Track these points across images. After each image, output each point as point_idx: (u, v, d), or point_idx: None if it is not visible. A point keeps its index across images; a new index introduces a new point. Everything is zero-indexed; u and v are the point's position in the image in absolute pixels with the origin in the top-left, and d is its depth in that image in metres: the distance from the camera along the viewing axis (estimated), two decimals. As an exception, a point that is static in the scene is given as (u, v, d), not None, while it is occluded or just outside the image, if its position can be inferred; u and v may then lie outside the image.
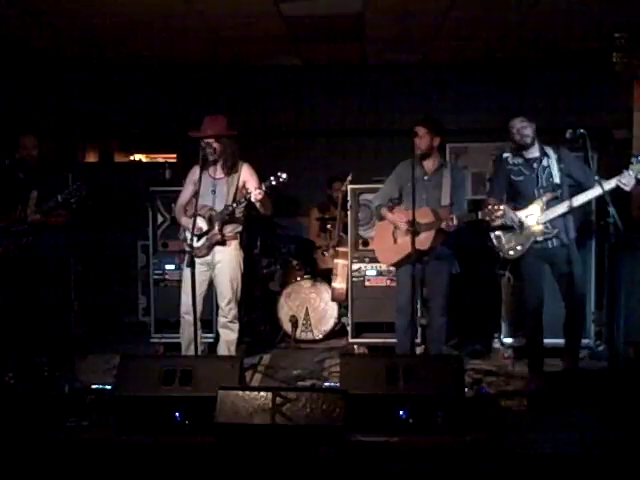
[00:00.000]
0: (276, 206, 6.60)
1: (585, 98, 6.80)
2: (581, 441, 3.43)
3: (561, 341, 4.58)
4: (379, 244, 4.78)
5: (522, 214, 4.36)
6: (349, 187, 5.44)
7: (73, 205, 4.77)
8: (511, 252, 4.41)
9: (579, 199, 4.23)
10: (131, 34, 5.79)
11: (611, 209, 3.93)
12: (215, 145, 4.45)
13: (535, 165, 4.34)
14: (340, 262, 5.69)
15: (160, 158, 7.62)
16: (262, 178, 4.44)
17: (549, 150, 4.36)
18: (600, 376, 4.47)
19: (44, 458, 3.38)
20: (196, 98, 7.07)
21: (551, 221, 4.29)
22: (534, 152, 4.36)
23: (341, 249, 5.75)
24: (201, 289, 4.45)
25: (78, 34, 5.80)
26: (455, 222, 4.25)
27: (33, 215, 4.84)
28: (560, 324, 4.53)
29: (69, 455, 3.43)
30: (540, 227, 4.30)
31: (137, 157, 8.29)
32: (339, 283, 5.68)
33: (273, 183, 4.32)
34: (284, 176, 4.30)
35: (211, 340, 5.06)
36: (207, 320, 5.02)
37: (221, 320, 4.66)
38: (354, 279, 5.44)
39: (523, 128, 4.29)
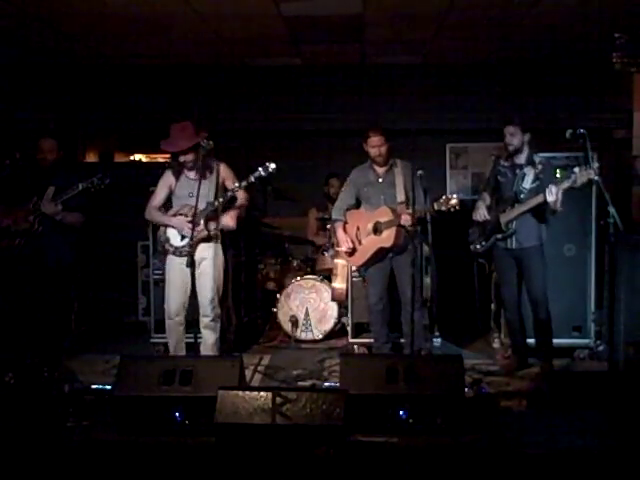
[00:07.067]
0: (276, 206, 6.65)
1: (585, 98, 6.80)
2: (581, 441, 3.43)
3: (556, 341, 4.71)
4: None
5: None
6: (349, 187, 5.43)
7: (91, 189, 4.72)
8: (478, 246, 4.70)
9: (528, 203, 4.40)
10: (131, 34, 5.79)
11: (611, 209, 3.96)
12: (189, 157, 4.48)
13: (517, 171, 4.55)
14: (340, 262, 5.69)
15: (160, 158, 7.60)
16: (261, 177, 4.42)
17: (537, 159, 4.53)
18: (600, 376, 4.48)
19: (44, 458, 3.38)
20: (196, 98, 7.06)
21: (510, 221, 4.50)
22: (522, 159, 4.56)
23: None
24: (189, 289, 4.46)
25: (78, 34, 5.80)
26: (412, 216, 4.33)
27: (50, 207, 4.79)
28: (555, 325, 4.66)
29: (69, 455, 3.43)
30: (501, 225, 4.53)
31: (137, 157, 8.29)
32: (339, 283, 5.68)
33: (263, 174, 4.30)
34: (273, 166, 4.28)
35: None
36: (196, 320, 4.96)
37: (203, 320, 4.59)
38: (354, 279, 5.44)
39: (511, 136, 4.49)
